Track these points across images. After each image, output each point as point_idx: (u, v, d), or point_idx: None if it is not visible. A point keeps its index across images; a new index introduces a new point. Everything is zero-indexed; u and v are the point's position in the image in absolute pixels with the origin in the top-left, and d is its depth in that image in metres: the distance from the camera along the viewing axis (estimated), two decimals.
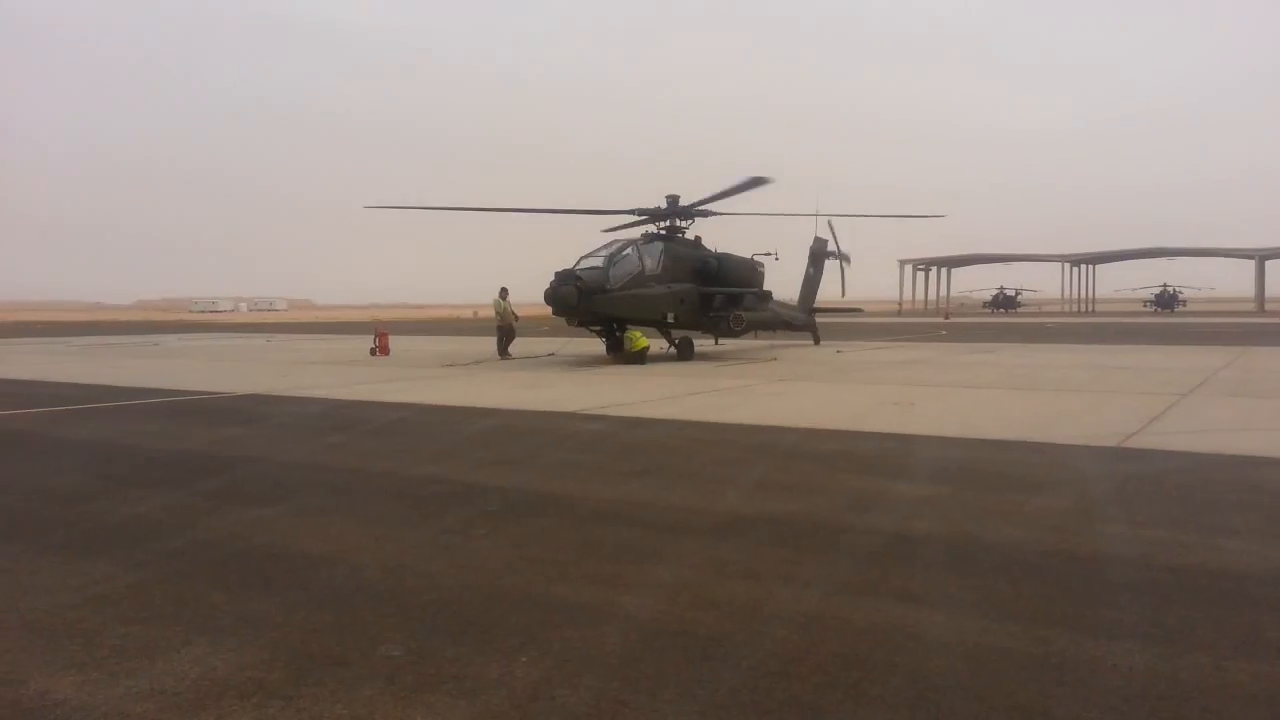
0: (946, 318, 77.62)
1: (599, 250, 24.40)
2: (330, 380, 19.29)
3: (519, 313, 27.40)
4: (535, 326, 37.07)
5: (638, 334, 23.85)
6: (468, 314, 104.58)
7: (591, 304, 22.99)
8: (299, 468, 8.94)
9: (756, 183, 24.73)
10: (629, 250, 24.34)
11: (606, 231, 26.91)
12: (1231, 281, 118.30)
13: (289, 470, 8.78)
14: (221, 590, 4.97)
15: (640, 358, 23.48)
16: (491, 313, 27.84)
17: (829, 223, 31.50)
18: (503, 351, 26.20)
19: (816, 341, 32.33)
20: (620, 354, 23.63)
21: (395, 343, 35.29)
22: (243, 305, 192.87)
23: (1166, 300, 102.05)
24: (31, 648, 4.20)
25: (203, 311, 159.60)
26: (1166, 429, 11.14)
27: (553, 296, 23.16)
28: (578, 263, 23.94)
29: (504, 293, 25.92)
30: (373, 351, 28.29)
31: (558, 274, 23.40)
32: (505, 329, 26.44)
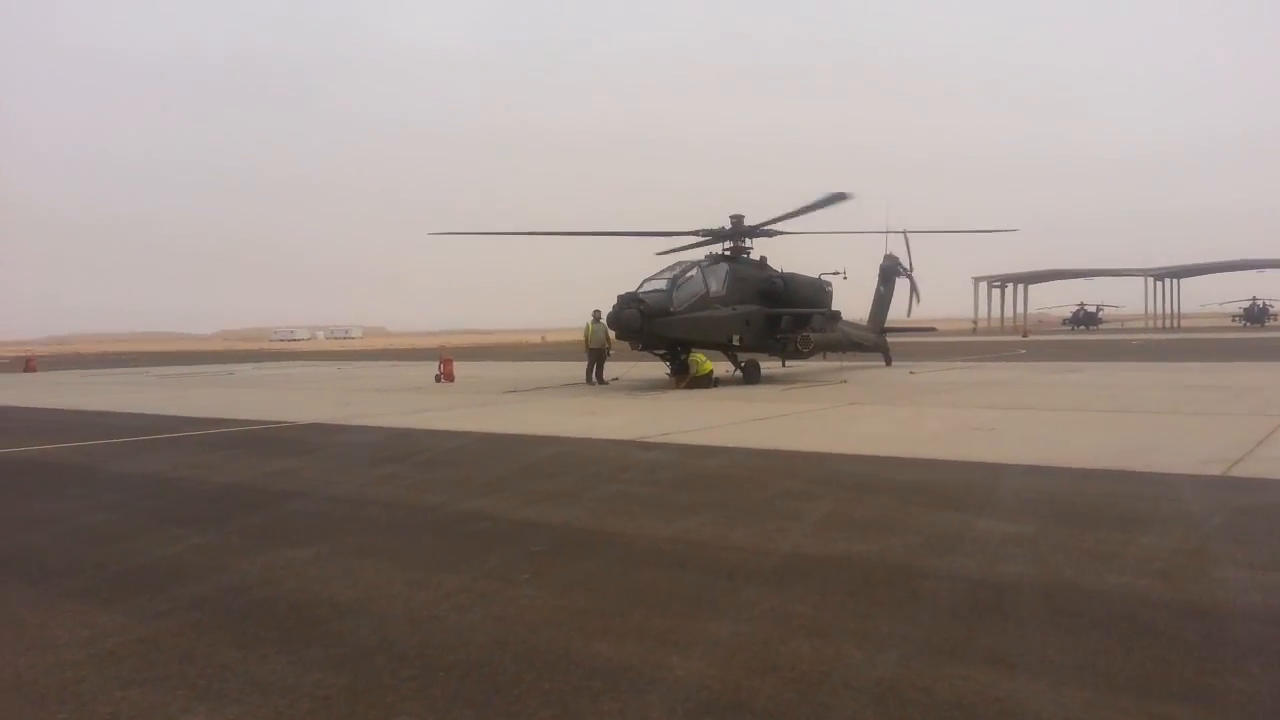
0: (1024, 336, 75.38)
1: (662, 272, 23.99)
2: (392, 408, 19.14)
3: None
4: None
5: (701, 357, 23.29)
6: (535, 339, 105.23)
7: (655, 327, 22.55)
8: (345, 502, 8.60)
9: (837, 199, 24.00)
10: (693, 272, 23.87)
11: (665, 253, 26.52)
12: None
13: (334, 505, 8.45)
14: (236, 646, 4.57)
15: (706, 381, 22.91)
16: (580, 337, 27.24)
17: (905, 236, 30.58)
18: (594, 377, 25.56)
19: (888, 362, 31.38)
20: (685, 378, 23.09)
21: (461, 369, 35.40)
22: (320, 333, 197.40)
23: (1256, 314, 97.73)
24: (17, 714, 3.84)
25: (281, 340, 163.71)
26: (1276, 454, 10.20)
27: (615, 320, 22.79)
28: (641, 285, 23.55)
29: (596, 316, 25.44)
30: (438, 378, 28.28)
31: (620, 297, 23.04)
32: (597, 351, 25.91)
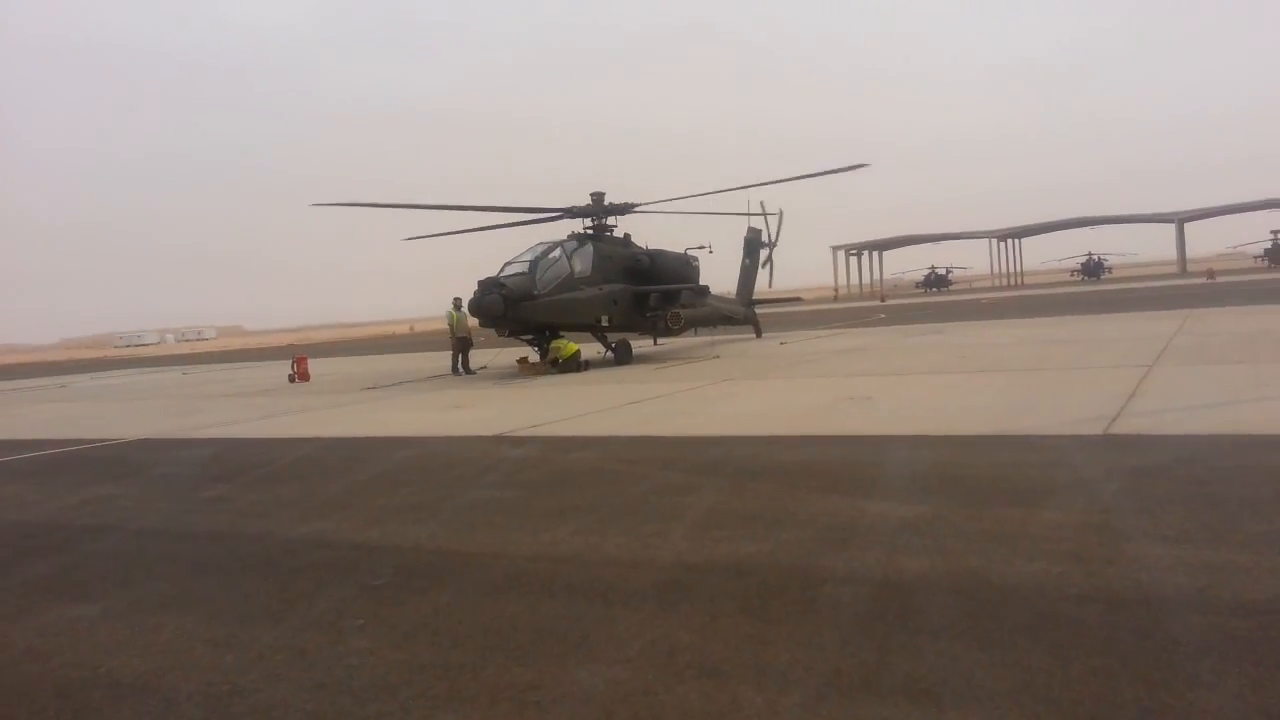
0: (883, 300, 77.58)
1: (523, 255, 22.98)
2: (236, 415, 17.58)
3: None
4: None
5: (563, 341, 22.48)
6: (404, 329, 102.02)
7: (519, 312, 21.56)
8: (157, 537, 7.40)
9: (856, 167, 24.72)
10: (556, 252, 22.96)
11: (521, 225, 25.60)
12: (1153, 247, 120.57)
13: (143, 542, 7.25)
14: None
15: (574, 365, 22.10)
16: (444, 325, 25.95)
17: (762, 206, 30.37)
18: (460, 367, 24.51)
19: (759, 334, 31.25)
20: (539, 365, 22.26)
21: (319, 366, 33.47)
22: (169, 336, 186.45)
23: (1093, 269, 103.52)
24: None
25: (129, 345, 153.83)
26: (1149, 408, 10.13)
27: (477, 306, 21.66)
28: (502, 269, 22.50)
29: (457, 303, 24.14)
30: (291, 378, 26.51)
31: (481, 282, 21.92)
32: (463, 340, 24.76)
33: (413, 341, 58.63)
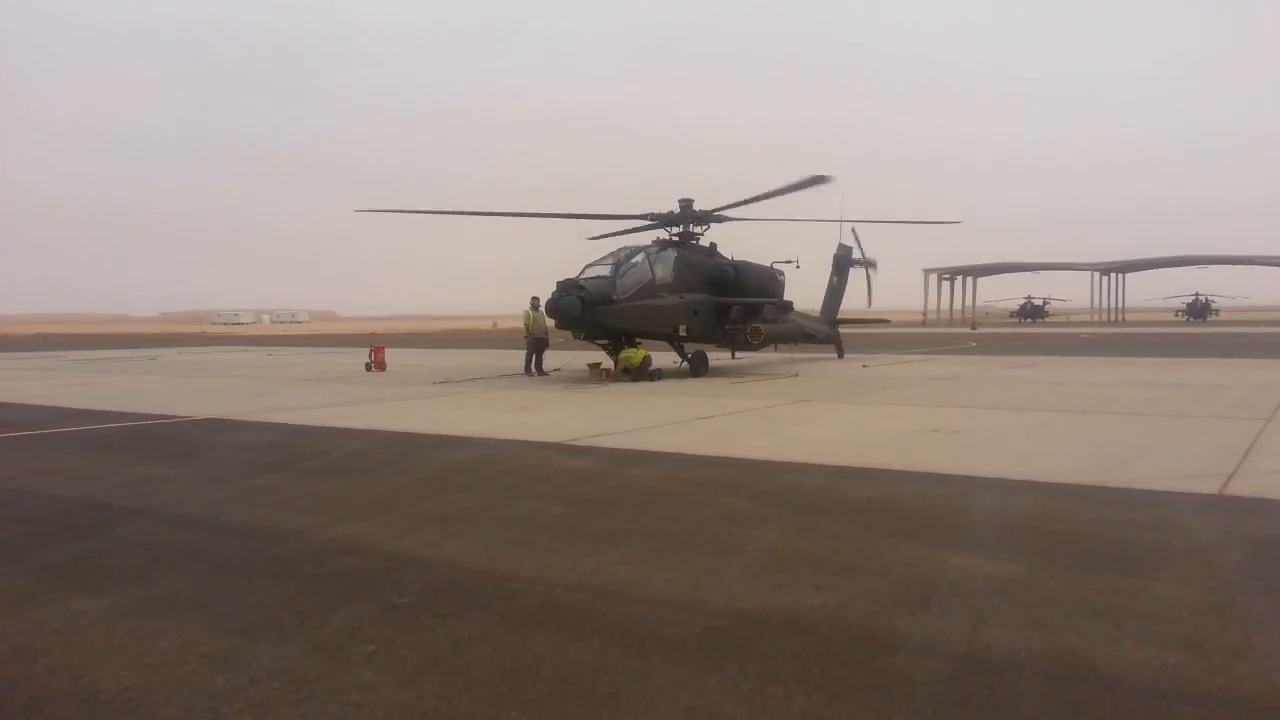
0: (974, 328, 75.27)
1: (605, 259, 22.56)
2: (308, 400, 17.53)
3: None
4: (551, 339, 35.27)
5: (634, 350, 21.96)
6: (487, 325, 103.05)
7: (596, 316, 21.13)
8: (190, 527, 7.09)
9: (816, 181, 22.78)
10: (638, 258, 22.49)
11: (601, 237, 25.15)
12: (1265, 290, 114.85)
13: (174, 532, 6.94)
14: None
15: (644, 373, 21.58)
16: (520, 325, 25.81)
17: (853, 229, 29.49)
18: (533, 367, 24.22)
19: (841, 355, 30.31)
20: (624, 372, 21.73)
21: (399, 356, 33.69)
22: (265, 317, 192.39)
23: (1199, 309, 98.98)
24: None
25: (225, 324, 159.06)
26: (1269, 467, 9.14)
27: (554, 308, 21.31)
28: (583, 271, 22.12)
29: (535, 303, 23.88)
30: (368, 367, 26.61)
31: (560, 284, 21.57)
32: (538, 340, 24.55)
33: (493, 338, 58.95)
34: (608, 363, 22.82)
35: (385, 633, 4.55)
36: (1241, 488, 8.16)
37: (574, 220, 25.34)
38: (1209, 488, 8.17)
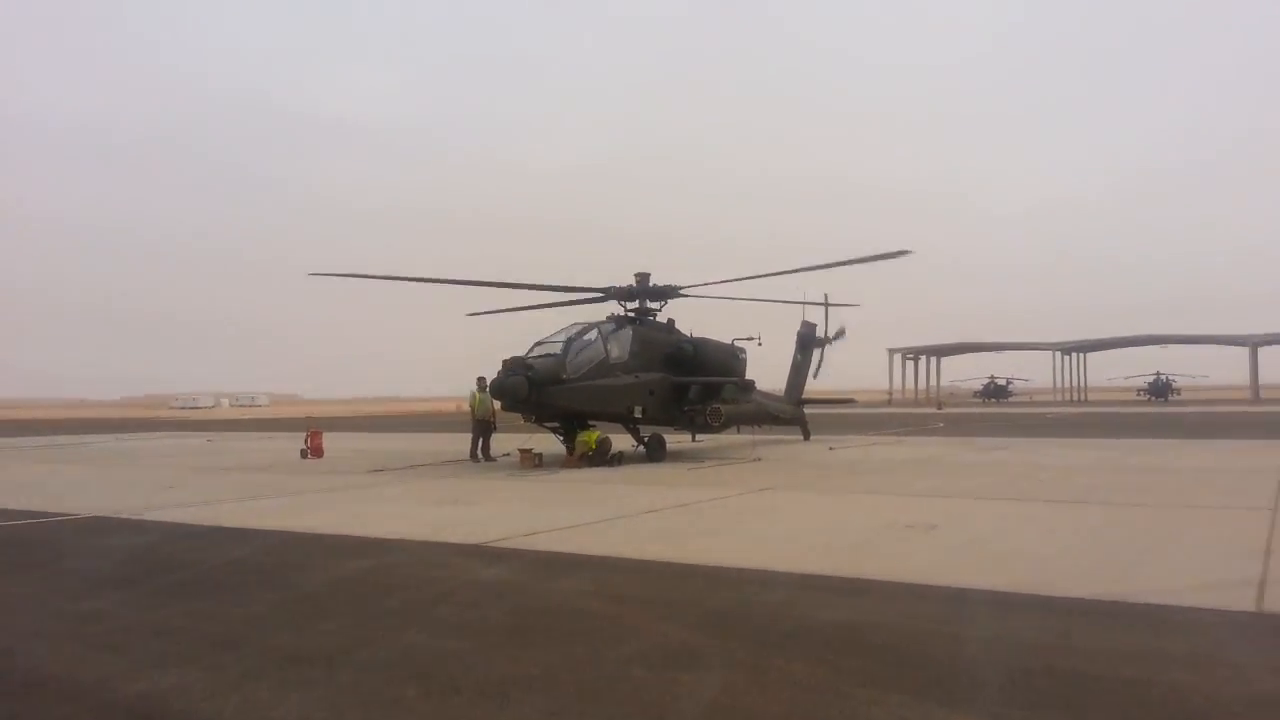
0: (939, 408, 74.67)
1: (556, 335, 21.18)
2: (216, 494, 15.75)
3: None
4: (512, 420, 33.55)
5: (588, 432, 20.48)
6: (451, 407, 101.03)
7: (544, 396, 19.61)
8: None
9: (898, 254, 22.63)
10: (591, 334, 21.14)
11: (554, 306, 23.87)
12: (1223, 370, 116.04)
13: None
14: None
15: (603, 458, 20.06)
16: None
17: (825, 296, 28.34)
18: (479, 452, 22.51)
19: (806, 436, 29.00)
20: (583, 457, 20.15)
21: (344, 441, 31.91)
22: (225, 401, 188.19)
23: (1160, 388, 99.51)
24: None
25: (183, 408, 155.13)
26: None
27: (499, 388, 19.79)
28: (531, 349, 20.70)
29: (481, 383, 22.28)
30: (303, 454, 24.78)
31: (505, 362, 20.09)
32: (484, 423, 22.91)
33: (454, 421, 57.05)
34: (555, 447, 21.27)
35: None
36: (1278, 601, 6.80)
37: (529, 291, 24.03)
38: (1242, 601, 6.81)
